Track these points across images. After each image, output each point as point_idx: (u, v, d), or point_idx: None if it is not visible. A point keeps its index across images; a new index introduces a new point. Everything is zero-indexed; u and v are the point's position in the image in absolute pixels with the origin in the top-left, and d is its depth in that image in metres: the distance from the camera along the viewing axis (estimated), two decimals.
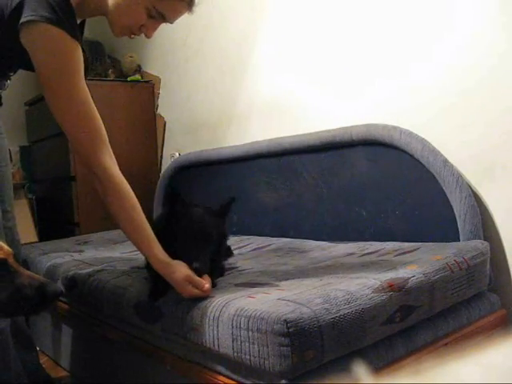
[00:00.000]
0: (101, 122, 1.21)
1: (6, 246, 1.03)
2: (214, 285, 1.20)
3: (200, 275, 1.12)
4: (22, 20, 1.10)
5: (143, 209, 1.22)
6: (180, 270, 1.11)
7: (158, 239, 1.19)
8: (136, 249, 1.24)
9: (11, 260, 1.01)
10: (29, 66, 1.19)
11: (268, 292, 1.08)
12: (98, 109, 1.21)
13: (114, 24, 1.24)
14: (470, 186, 1.45)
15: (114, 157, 1.21)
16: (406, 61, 1.65)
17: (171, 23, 1.28)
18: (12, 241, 1.46)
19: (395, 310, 1.05)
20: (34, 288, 0.99)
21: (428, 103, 1.60)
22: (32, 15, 1.09)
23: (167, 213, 1.29)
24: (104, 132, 1.21)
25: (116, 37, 1.28)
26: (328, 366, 0.96)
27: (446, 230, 1.44)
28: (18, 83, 1.71)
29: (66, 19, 1.12)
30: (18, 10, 1.11)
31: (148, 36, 1.26)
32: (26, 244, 2.13)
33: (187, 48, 2.63)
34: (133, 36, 1.27)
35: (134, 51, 2.95)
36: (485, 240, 1.39)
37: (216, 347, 1.03)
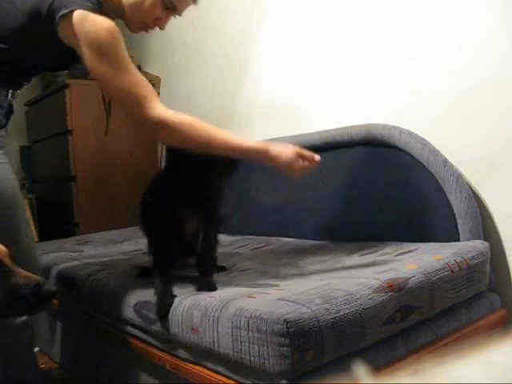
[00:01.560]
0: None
1: (1, 246, 1.02)
2: (214, 287, 1.21)
3: None
4: (64, 11, 1.16)
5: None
6: (284, 146, 1.18)
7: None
8: (136, 248, 1.24)
9: (7, 260, 1.00)
10: (53, 65, 1.35)
11: (268, 292, 1.08)
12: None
13: (133, 20, 1.31)
14: (470, 186, 1.45)
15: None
16: (407, 61, 1.65)
17: (179, 15, 1.36)
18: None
19: (395, 310, 1.05)
20: (29, 288, 0.98)
21: (429, 104, 1.60)
22: (72, 4, 1.16)
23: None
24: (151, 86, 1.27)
25: (134, 33, 1.36)
26: (328, 365, 0.96)
27: (446, 230, 1.44)
28: None
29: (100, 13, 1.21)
30: (54, 7, 1.17)
31: (162, 28, 1.35)
32: None
33: (187, 48, 2.63)
34: (149, 30, 1.35)
35: (134, 51, 2.94)
36: (485, 240, 1.38)
37: (216, 347, 1.03)
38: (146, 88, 1.23)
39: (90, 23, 1.17)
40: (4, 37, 1.27)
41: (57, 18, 1.17)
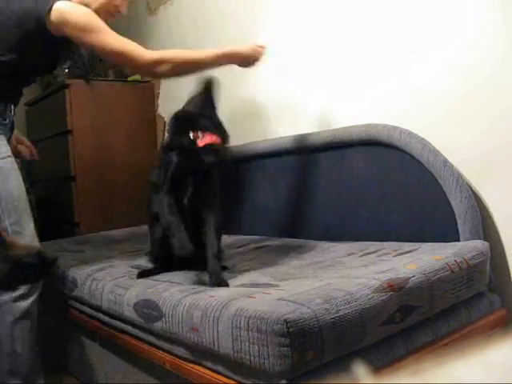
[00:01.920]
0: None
1: None
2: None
3: None
4: (47, 7, 1.40)
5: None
6: (242, 46, 1.66)
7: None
8: (136, 248, 1.24)
9: (4, 233, 1.06)
10: (51, 64, 1.66)
11: (268, 292, 1.08)
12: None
13: (98, 12, 1.53)
14: (470, 186, 1.45)
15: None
16: (407, 62, 1.65)
17: (132, 2, 1.74)
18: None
19: (395, 310, 1.05)
20: (33, 256, 1.05)
21: (429, 105, 1.59)
22: (51, 0, 1.43)
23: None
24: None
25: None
26: (328, 366, 0.96)
27: (446, 230, 1.44)
28: None
29: None
30: (40, 6, 1.43)
31: (122, 12, 1.65)
32: None
33: (187, 48, 2.62)
34: (112, 18, 1.64)
35: None
36: (485, 240, 1.38)
37: (216, 347, 1.03)
38: (131, 42, 1.49)
39: (70, 12, 1.44)
40: (7, 46, 1.46)
41: (44, 14, 1.41)
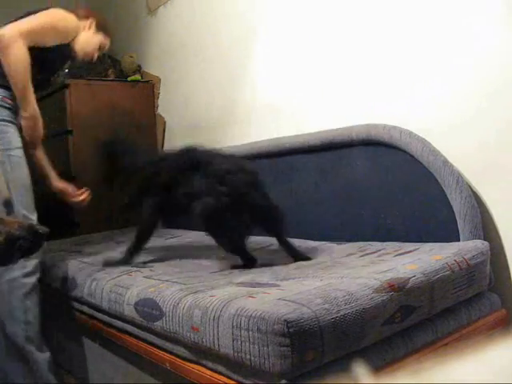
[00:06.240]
0: None
1: None
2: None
3: None
4: None
5: None
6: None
7: None
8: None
9: None
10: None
11: (268, 292, 1.08)
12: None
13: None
14: (470, 186, 1.45)
15: None
16: (406, 61, 1.65)
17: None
18: None
19: (395, 310, 1.05)
20: (25, 229, 1.13)
21: (429, 104, 1.60)
22: None
23: None
24: None
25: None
26: (328, 366, 0.96)
27: (446, 230, 1.44)
28: None
29: None
30: None
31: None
32: None
33: (187, 48, 2.63)
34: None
35: (133, 51, 2.95)
36: (485, 240, 1.38)
37: (216, 347, 1.03)
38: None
39: None
40: None
41: None
